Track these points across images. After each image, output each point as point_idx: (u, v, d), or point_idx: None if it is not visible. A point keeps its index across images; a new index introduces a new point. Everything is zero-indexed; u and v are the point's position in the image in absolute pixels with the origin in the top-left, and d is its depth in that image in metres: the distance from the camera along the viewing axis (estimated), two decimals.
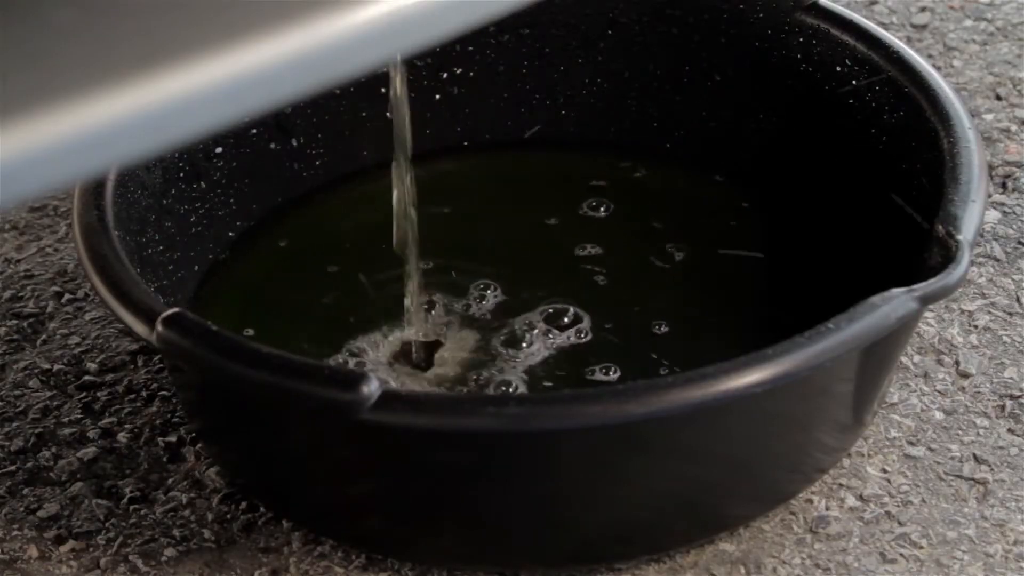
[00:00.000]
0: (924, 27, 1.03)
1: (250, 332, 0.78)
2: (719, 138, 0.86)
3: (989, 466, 0.74)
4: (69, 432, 0.78)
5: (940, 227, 0.68)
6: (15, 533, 0.73)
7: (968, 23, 1.03)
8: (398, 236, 0.77)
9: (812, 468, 0.72)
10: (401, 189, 0.76)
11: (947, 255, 0.67)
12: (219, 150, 0.82)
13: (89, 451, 0.77)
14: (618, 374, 0.75)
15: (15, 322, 0.84)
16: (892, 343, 0.69)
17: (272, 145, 0.84)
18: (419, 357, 0.77)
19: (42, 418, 0.79)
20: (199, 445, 0.76)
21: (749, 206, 0.85)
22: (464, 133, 0.89)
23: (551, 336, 0.78)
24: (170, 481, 0.75)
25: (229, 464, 0.74)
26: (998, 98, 0.96)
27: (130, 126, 0.42)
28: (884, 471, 0.74)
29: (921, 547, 0.71)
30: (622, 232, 0.84)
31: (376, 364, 0.76)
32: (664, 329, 0.78)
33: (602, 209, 0.85)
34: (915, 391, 0.78)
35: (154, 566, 0.71)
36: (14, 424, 0.78)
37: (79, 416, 0.79)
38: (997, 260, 0.85)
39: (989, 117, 0.95)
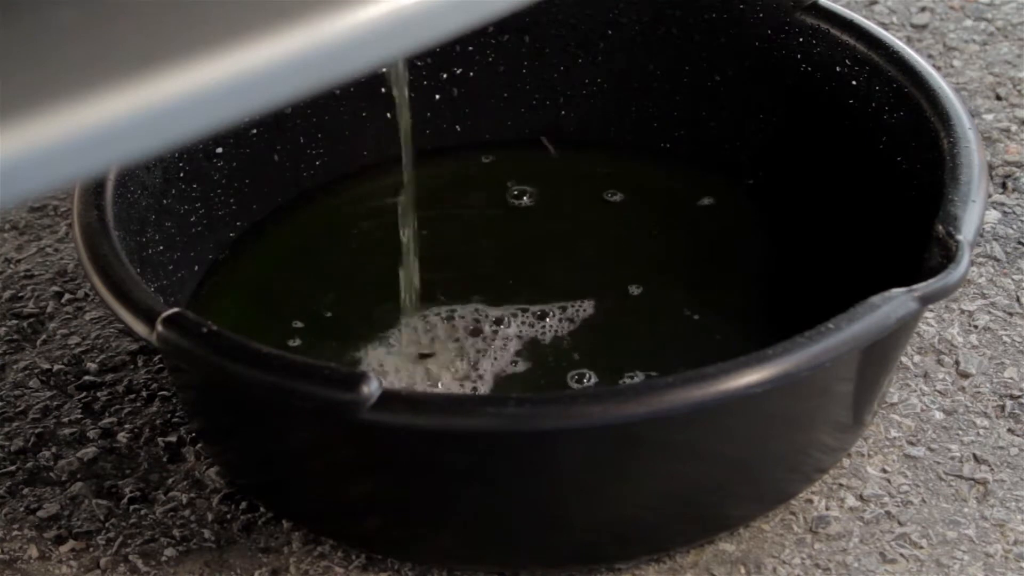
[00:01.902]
0: (924, 27, 1.03)
1: (299, 325, 0.78)
2: (719, 138, 0.86)
3: (989, 466, 0.74)
4: (69, 432, 0.78)
5: (940, 227, 0.68)
6: (15, 533, 0.73)
7: (968, 23, 1.03)
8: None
9: (812, 468, 0.72)
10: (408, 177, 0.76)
11: (947, 255, 0.67)
12: (219, 150, 0.82)
13: (89, 451, 0.77)
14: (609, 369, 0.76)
15: (15, 322, 0.84)
16: (892, 343, 0.69)
17: (272, 145, 0.84)
18: (422, 356, 0.77)
19: (42, 418, 0.79)
20: (199, 445, 0.76)
21: (749, 206, 0.85)
22: (464, 133, 0.89)
23: (555, 332, 0.78)
24: (170, 481, 0.75)
25: (229, 464, 0.74)
26: (998, 98, 0.96)
27: (130, 126, 0.42)
28: (884, 471, 0.74)
29: (921, 547, 0.71)
30: (622, 232, 0.84)
31: (376, 364, 0.76)
32: (663, 329, 0.78)
33: (602, 209, 0.85)
34: (915, 391, 0.78)
35: (154, 566, 0.71)
36: (14, 424, 0.78)
37: (79, 416, 0.79)
38: (997, 260, 0.85)
39: (989, 117, 0.95)
